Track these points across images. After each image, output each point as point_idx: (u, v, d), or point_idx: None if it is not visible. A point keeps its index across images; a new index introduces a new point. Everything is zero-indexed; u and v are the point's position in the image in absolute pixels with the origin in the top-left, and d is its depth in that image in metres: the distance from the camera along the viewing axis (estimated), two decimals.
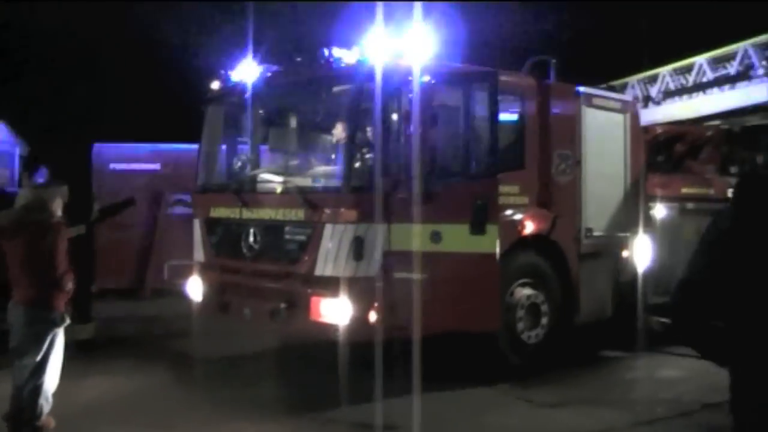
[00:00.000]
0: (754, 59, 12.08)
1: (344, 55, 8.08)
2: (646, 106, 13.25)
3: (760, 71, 12.04)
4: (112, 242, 13.74)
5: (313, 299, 7.90)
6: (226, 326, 10.03)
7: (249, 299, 8.73)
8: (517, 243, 8.96)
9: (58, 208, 6.96)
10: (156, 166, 15.17)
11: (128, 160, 15.18)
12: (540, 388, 8.64)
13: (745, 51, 12.23)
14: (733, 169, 13.71)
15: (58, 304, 6.73)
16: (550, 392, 8.54)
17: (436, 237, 8.04)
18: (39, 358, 6.66)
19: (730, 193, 12.97)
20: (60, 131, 16.66)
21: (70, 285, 6.83)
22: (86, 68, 18.72)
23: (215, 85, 9.74)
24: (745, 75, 12.28)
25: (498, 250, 8.42)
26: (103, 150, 15.17)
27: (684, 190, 12.18)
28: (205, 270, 9.44)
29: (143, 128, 15.46)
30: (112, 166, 15.05)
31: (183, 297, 9.79)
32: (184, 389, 8.76)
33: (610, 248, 10.22)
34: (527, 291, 9.11)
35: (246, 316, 8.77)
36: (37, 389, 6.67)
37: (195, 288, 9.47)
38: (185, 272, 9.82)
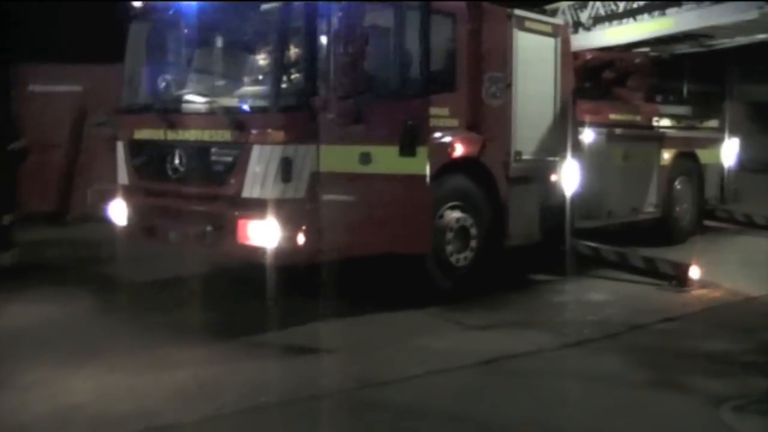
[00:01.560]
0: None
1: None
2: (576, 31, 13.17)
3: None
4: (35, 165, 13.30)
5: (241, 222, 7.75)
6: (151, 251, 9.84)
7: (175, 223, 8.51)
8: (447, 166, 8.93)
9: None
10: (78, 87, 14.68)
11: (49, 80, 14.65)
12: (469, 311, 8.71)
13: None
14: (659, 97, 13.93)
15: None
16: (479, 315, 8.60)
17: (365, 158, 7.95)
18: None
19: (655, 120, 13.20)
20: None
21: None
22: None
23: (138, 2, 9.37)
24: (675, 2, 12.27)
25: (428, 172, 8.39)
26: (22, 70, 14.60)
27: (612, 117, 12.35)
28: (129, 193, 9.19)
29: (65, 48, 14.81)
30: (31, 87, 14.52)
31: (108, 222, 9.56)
32: (111, 315, 8.59)
33: (539, 172, 10.31)
34: (456, 214, 9.11)
35: (172, 240, 8.57)
36: None
37: (118, 212, 9.24)
38: (109, 196, 9.57)
